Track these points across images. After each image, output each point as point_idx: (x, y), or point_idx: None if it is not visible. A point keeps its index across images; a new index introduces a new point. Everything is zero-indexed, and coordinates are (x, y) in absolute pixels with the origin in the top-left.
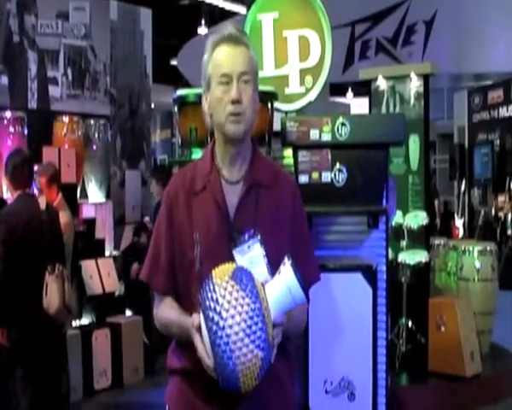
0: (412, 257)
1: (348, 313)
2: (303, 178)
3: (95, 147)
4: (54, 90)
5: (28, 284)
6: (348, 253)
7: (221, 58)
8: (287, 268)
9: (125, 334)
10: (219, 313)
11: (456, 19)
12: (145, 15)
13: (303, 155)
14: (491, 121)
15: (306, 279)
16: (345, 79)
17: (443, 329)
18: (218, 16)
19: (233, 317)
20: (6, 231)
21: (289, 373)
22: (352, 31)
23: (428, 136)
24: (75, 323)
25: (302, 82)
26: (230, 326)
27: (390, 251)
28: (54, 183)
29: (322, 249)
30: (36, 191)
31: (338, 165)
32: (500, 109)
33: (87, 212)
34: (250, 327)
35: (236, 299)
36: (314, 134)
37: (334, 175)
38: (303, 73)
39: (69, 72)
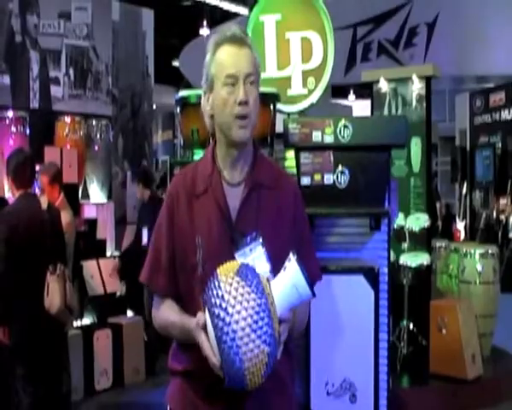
0: (414, 259)
1: (350, 314)
2: (305, 180)
3: (96, 147)
4: (56, 90)
5: (30, 283)
6: (350, 255)
7: (225, 58)
8: (292, 264)
9: (126, 334)
10: (225, 309)
11: (458, 21)
12: (147, 16)
13: (305, 157)
14: (492, 124)
15: (311, 279)
16: (347, 81)
17: (444, 331)
18: (219, 17)
19: (239, 312)
20: (8, 230)
21: (291, 373)
22: (353, 33)
23: (430, 138)
24: (76, 323)
25: (304, 83)
26: (236, 322)
27: (391, 253)
28: (56, 182)
29: (324, 251)
30: (37, 191)
31: (340, 167)
32: (502, 112)
33: (88, 212)
34: (256, 322)
35: (242, 294)
36: (316, 136)
37: (337, 177)
38: (305, 74)
39: (71, 72)
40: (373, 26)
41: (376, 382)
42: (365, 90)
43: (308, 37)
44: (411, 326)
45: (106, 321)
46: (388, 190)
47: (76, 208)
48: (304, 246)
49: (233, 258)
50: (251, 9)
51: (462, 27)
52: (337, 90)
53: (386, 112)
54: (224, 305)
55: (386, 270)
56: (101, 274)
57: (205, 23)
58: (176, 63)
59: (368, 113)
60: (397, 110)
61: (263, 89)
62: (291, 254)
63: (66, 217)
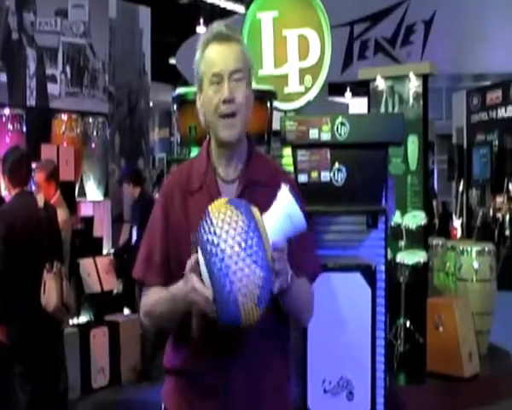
0: (410, 257)
1: (347, 312)
2: (302, 178)
3: (93, 145)
4: (52, 88)
5: (26, 281)
6: (347, 252)
7: (211, 57)
8: (284, 193)
9: (123, 332)
10: (214, 233)
11: (455, 19)
12: (144, 13)
13: (302, 155)
14: (489, 122)
15: (311, 270)
16: (343, 79)
17: (441, 329)
18: (217, 15)
19: (227, 232)
20: (4, 228)
21: (286, 372)
22: (350, 30)
23: (427, 136)
24: (73, 321)
25: (301, 81)
26: (225, 241)
27: (388, 251)
28: (52, 179)
29: (322, 249)
30: (34, 188)
31: (337, 164)
32: (499, 110)
33: (85, 210)
34: (246, 241)
35: (230, 217)
36: (313, 133)
37: (334, 175)
38: (302, 72)
39: (68, 69)
40: (370, 23)
41: (373, 380)
42: (362, 88)
43: (305, 34)
44: (408, 324)
45: (102, 319)
46: (385, 187)
47: (72, 206)
48: (303, 240)
49: None
50: (248, 7)
51: (459, 25)
52: (334, 88)
53: (382, 110)
54: (212, 229)
55: (383, 267)
56: (98, 272)
57: (202, 21)
58: (173, 61)
59: (364, 111)
60: (394, 108)
61: (260, 86)
62: (283, 185)
63: (62, 214)
